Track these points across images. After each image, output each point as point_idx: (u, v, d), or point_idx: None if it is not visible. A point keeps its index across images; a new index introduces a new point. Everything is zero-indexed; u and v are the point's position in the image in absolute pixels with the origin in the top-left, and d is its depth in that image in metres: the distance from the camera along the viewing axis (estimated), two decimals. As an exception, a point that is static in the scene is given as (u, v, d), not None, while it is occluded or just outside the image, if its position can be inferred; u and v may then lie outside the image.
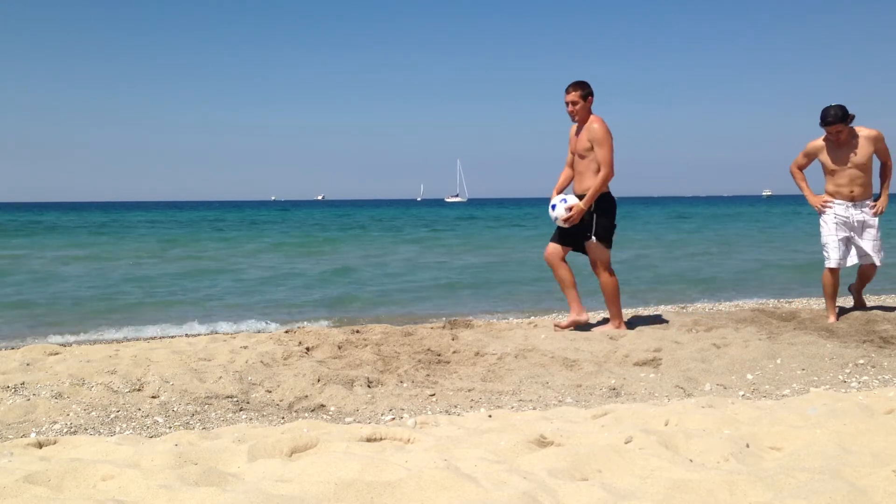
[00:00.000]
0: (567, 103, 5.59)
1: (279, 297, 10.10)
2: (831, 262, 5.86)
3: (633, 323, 6.03)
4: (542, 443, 2.94)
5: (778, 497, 2.27)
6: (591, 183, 5.54)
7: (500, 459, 2.71)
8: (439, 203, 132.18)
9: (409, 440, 3.04)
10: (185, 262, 15.59)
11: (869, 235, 5.84)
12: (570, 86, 5.59)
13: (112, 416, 3.68)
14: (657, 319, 6.22)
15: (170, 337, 6.53)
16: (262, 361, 4.67)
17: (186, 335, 6.67)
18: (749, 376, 4.44)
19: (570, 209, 5.54)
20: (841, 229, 5.84)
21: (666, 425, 3.19)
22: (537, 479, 2.46)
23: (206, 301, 9.59)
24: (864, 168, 5.74)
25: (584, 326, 5.89)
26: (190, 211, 76.40)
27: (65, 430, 3.45)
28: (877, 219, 5.84)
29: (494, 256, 16.74)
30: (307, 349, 5.08)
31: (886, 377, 4.36)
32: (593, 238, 5.58)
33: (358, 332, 5.68)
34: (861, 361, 4.67)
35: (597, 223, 5.58)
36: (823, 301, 6.27)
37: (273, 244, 22.05)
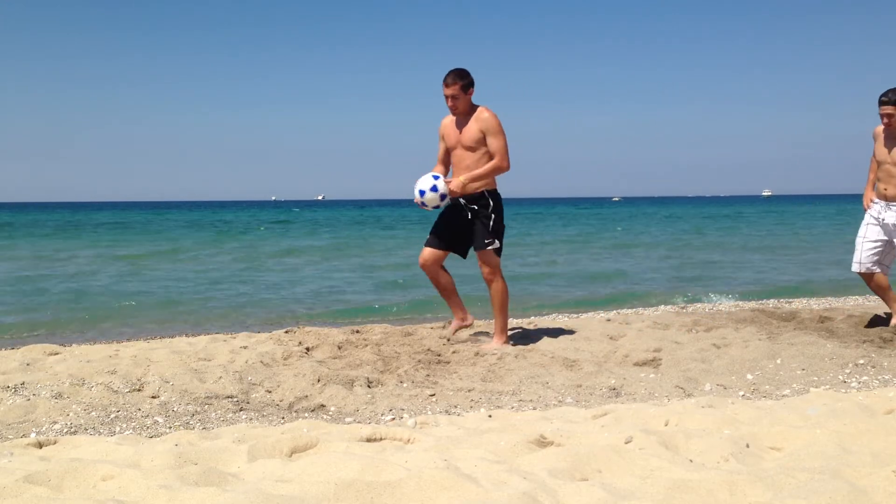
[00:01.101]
0: (447, 97, 5.02)
1: (350, 297, 9.72)
2: (852, 266, 5.67)
3: (632, 323, 6.04)
4: (542, 443, 2.94)
5: (778, 497, 2.27)
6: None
7: (500, 459, 2.71)
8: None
9: (409, 440, 3.04)
10: (222, 264, 15.17)
11: None
12: (448, 77, 5.00)
13: (112, 416, 3.68)
14: (657, 319, 6.22)
15: (169, 337, 6.53)
16: (262, 361, 4.68)
17: (187, 335, 6.67)
18: (749, 376, 4.44)
19: (447, 182, 5.01)
20: (872, 232, 5.49)
21: (666, 425, 3.19)
22: (537, 479, 2.46)
23: (256, 306, 9.17)
24: None
25: (583, 327, 5.89)
26: (199, 211, 75.12)
27: (65, 430, 3.45)
28: None
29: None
30: (307, 349, 5.08)
31: (886, 377, 4.36)
32: (496, 242, 5.10)
33: (358, 332, 5.68)
34: (861, 361, 4.67)
35: (494, 223, 5.10)
36: (823, 301, 6.27)
37: (312, 245, 21.30)
